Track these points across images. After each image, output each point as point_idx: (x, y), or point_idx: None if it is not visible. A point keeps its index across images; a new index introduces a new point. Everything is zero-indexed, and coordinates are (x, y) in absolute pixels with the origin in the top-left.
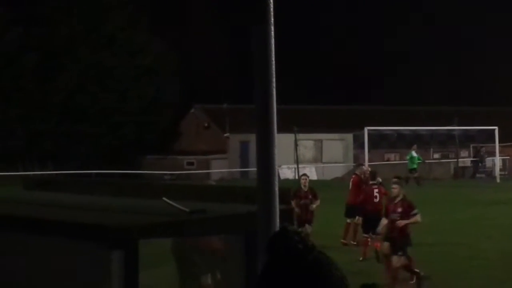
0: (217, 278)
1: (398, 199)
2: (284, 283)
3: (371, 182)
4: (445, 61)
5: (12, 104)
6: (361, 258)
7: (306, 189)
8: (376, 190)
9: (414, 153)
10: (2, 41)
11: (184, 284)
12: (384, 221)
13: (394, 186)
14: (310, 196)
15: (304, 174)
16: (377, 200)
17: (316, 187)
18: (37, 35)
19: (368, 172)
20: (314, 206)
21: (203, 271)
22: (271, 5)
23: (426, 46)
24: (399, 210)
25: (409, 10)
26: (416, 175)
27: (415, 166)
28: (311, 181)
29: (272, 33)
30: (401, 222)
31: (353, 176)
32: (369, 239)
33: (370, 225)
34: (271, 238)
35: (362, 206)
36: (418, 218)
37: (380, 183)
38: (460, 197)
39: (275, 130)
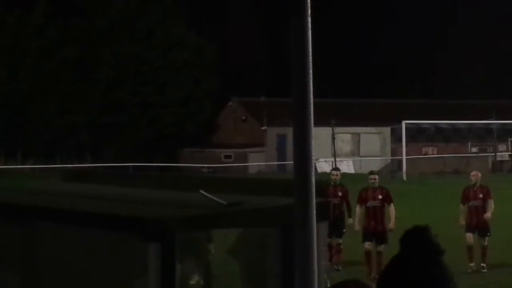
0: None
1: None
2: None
3: None
4: (482, 54)
5: (51, 97)
6: None
7: None
8: None
9: None
10: (42, 33)
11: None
12: None
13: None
14: None
15: None
16: None
17: (353, 181)
18: (76, 28)
19: None
20: None
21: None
22: None
23: (463, 39)
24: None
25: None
26: None
27: None
28: (347, 174)
29: (309, 25)
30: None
31: None
32: None
33: None
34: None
35: None
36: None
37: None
38: (497, 192)
39: (312, 124)
